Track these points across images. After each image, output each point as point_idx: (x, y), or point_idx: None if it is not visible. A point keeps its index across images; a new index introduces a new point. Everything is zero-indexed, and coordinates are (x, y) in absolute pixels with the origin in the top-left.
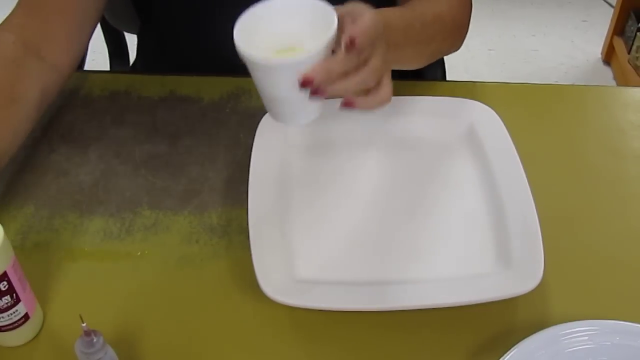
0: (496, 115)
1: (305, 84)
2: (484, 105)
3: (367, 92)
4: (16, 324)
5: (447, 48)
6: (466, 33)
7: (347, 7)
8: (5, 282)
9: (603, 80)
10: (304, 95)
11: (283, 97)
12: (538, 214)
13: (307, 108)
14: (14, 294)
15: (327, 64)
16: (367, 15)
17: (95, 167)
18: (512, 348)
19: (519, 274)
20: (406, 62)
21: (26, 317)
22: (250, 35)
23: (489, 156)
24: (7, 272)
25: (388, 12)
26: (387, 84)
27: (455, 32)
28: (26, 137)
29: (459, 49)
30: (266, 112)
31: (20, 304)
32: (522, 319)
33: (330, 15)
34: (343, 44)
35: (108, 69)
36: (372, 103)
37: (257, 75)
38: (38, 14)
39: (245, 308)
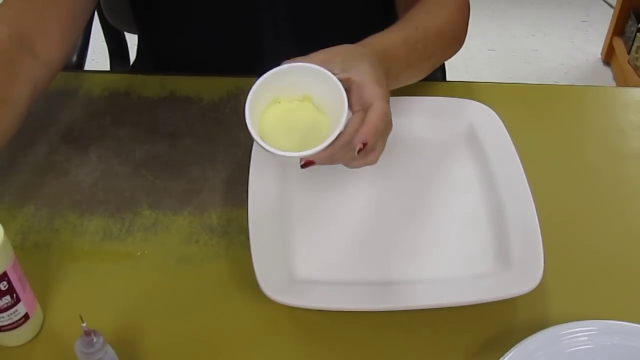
0: (496, 115)
1: (306, 164)
2: (484, 106)
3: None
4: (16, 324)
5: (447, 57)
6: (465, 36)
7: (355, 74)
8: (5, 282)
9: (603, 80)
10: None
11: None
12: (538, 214)
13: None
14: (14, 294)
15: (330, 151)
16: (377, 109)
17: (95, 167)
18: (512, 348)
19: (519, 274)
20: (405, 82)
21: (26, 317)
22: (259, 101)
23: (489, 156)
24: (7, 272)
25: (392, 38)
26: (380, 146)
27: (455, 42)
28: (14, 136)
29: (458, 51)
30: None
31: (20, 303)
32: (522, 319)
33: (341, 102)
34: (356, 147)
35: (108, 69)
36: (356, 165)
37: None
38: (35, 5)
39: (245, 308)
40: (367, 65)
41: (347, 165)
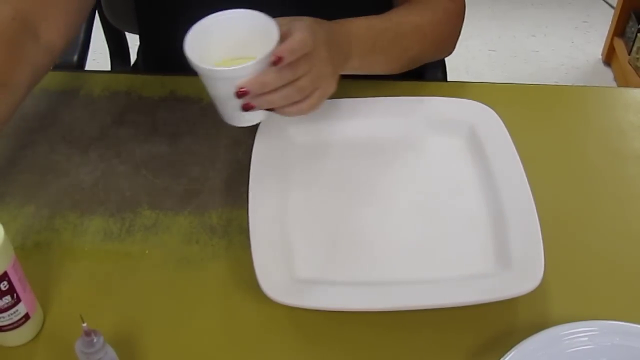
0: (496, 115)
1: (240, 94)
2: (484, 106)
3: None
4: (16, 324)
5: (430, 56)
6: (455, 42)
7: (289, 24)
8: (5, 282)
9: (603, 81)
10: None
11: (224, 101)
12: (538, 215)
13: (247, 114)
14: (15, 294)
15: (261, 77)
16: (296, 34)
17: (95, 167)
18: (512, 349)
19: (519, 275)
20: (378, 68)
21: (26, 317)
22: (204, 42)
23: (489, 157)
24: (8, 272)
25: (357, 22)
26: (316, 97)
27: (438, 43)
28: (11, 120)
29: (448, 55)
30: None
31: (20, 303)
32: (522, 319)
33: (273, 31)
34: (270, 60)
35: (109, 69)
36: (289, 112)
37: (203, 80)
38: None
39: (245, 308)
40: (305, 19)
41: (283, 112)
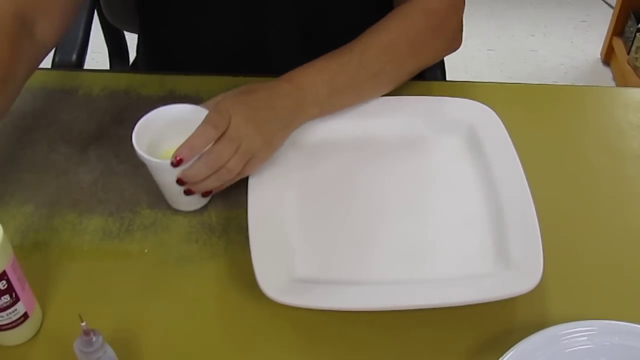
0: (496, 115)
1: (179, 182)
2: (484, 106)
3: None
4: (15, 323)
5: (422, 64)
6: (451, 37)
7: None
8: (4, 281)
9: (602, 80)
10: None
11: (169, 187)
12: (537, 214)
13: (191, 199)
14: (13, 293)
15: (190, 170)
16: (196, 130)
17: (94, 167)
18: (511, 348)
19: (519, 274)
20: (349, 102)
21: (25, 316)
22: (153, 133)
23: (488, 156)
24: (6, 271)
25: (307, 69)
26: (248, 168)
27: (422, 50)
28: (6, 116)
29: (455, 49)
30: None
31: (19, 303)
32: (521, 319)
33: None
34: (170, 161)
35: (108, 68)
36: (224, 187)
37: (149, 168)
38: None
39: (245, 308)
40: (226, 98)
41: (220, 188)
